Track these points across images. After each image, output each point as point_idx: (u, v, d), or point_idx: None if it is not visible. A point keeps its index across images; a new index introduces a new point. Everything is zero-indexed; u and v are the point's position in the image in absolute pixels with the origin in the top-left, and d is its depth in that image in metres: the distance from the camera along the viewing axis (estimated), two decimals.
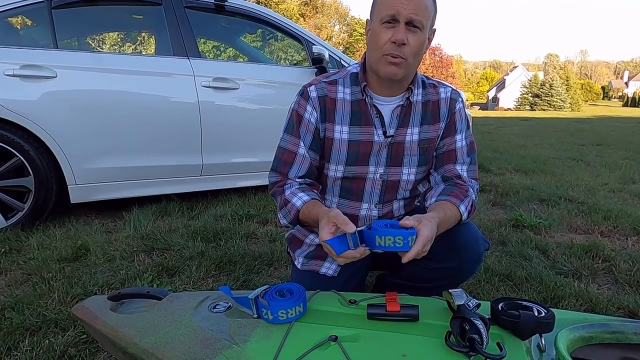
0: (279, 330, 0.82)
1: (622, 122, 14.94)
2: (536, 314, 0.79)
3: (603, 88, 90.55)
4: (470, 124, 4.39)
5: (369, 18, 1.10)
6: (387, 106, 1.13)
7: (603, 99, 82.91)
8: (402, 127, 1.14)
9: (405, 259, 0.87)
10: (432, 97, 1.17)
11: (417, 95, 1.15)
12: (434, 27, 1.08)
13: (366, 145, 1.13)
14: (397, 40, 0.99)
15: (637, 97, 61.34)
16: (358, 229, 0.89)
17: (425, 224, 0.89)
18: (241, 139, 2.82)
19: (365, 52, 1.13)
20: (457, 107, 1.18)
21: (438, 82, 1.20)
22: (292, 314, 0.84)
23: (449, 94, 1.18)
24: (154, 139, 2.56)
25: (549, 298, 1.57)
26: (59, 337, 1.29)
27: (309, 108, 1.13)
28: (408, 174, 1.17)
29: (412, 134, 1.15)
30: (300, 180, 1.16)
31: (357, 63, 1.18)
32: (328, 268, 1.21)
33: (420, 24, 1.00)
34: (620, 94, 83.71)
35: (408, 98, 1.13)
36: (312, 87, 1.14)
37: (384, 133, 1.13)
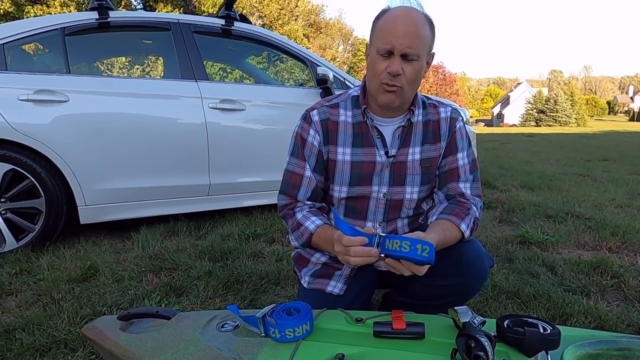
0: (286, 349, 0.83)
1: (629, 137, 14.87)
2: (542, 330, 0.80)
3: (608, 103, 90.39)
4: (474, 141, 4.35)
5: (368, 43, 1.13)
6: (388, 127, 1.16)
7: (609, 113, 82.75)
8: (403, 147, 1.16)
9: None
10: (432, 116, 1.19)
11: (418, 116, 1.18)
12: (432, 52, 1.11)
13: (369, 166, 1.16)
14: (392, 72, 1.03)
15: None
16: (379, 233, 0.91)
17: None
18: (248, 158, 2.86)
19: (365, 76, 1.16)
20: (458, 126, 1.20)
21: (438, 101, 1.23)
22: (299, 333, 0.86)
23: (449, 114, 1.20)
24: (162, 160, 2.61)
25: (557, 315, 1.56)
26: (68, 357, 1.30)
27: (311, 132, 1.17)
28: (411, 192, 1.19)
29: (414, 154, 1.17)
30: (309, 203, 1.19)
31: (358, 86, 1.21)
32: (334, 287, 1.22)
33: (415, 56, 1.03)
34: (626, 108, 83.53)
35: (409, 119, 1.16)
36: (315, 112, 1.18)
37: (386, 153, 1.16)
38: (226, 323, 0.96)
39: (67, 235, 2.53)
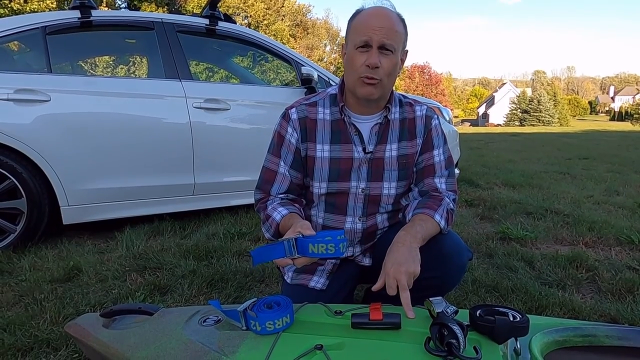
0: (266, 341, 0.85)
1: (608, 136, 15.23)
2: (511, 318, 0.83)
3: (590, 103, 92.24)
4: (457, 140, 4.41)
5: (344, 43, 1.18)
6: (366, 124, 1.20)
7: (590, 113, 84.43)
8: (381, 144, 1.20)
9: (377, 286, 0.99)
10: (408, 114, 1.23)
11: (395, 114, 1.21)
12: (406, 49, 1.15)
13: (347, 162, 1.19)
14: (371, 64, 1.07)
15: (623, 111, 62.69)
16: (294, 236, 0.93)
17: (389, 258, 1.00)
18: (232, 158, 2.87)
19: (343, 75, 1.19)
20: (433, 124, 1.24)
21: (414, 100, 1.27)
22: (279, 325, 0.88)
23: (424, 112, 1.24)
24: (146, 160, 2.60)
25: (533, 308, 1.61)
26: (50, 356, 1.30)
27: (289, 129, 1.20)
28: (389, 188, 1.22)
29: (391, 150, 1.21)
30: (282, 195, 1.23)
31: (337, 84, 1.25)
32: (317, 282, 1.24)
33: (392, 47, 1.08)
34: (607, 108, 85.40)
35: (386, 116, 1.19)
36: (293, 110, 1.21)
37: (364, 149, 1.19)
38: (208, 318, 0.97)
39: (49, 235, 2.50)
